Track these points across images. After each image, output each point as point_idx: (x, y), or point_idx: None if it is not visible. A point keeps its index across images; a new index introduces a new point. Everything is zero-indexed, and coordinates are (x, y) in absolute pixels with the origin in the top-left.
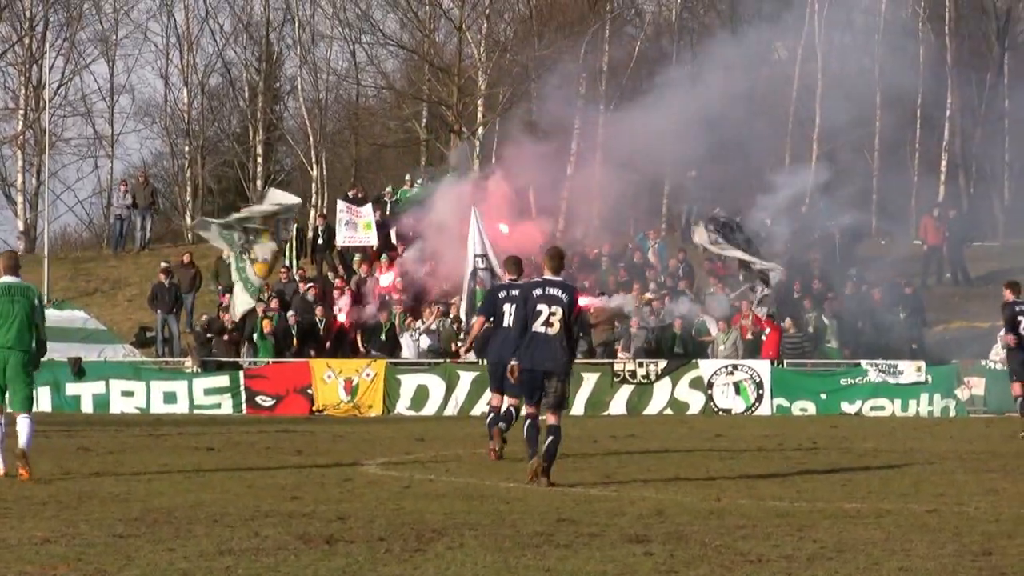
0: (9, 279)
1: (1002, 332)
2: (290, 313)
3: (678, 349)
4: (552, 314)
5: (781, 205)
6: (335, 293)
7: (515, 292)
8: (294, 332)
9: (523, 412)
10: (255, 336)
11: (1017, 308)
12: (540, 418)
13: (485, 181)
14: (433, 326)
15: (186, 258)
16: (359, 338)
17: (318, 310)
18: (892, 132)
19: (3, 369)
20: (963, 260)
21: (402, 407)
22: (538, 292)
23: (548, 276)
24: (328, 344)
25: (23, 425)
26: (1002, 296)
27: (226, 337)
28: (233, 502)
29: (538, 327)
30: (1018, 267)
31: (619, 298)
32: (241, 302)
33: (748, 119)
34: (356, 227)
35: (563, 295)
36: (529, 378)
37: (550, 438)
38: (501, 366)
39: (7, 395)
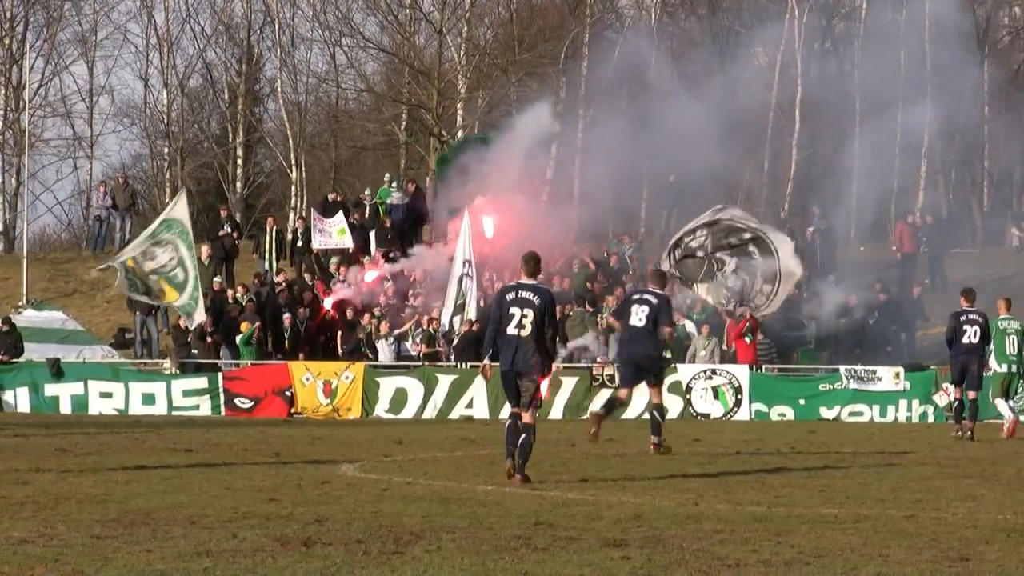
0: None
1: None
2: (286, 316)
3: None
4: (524, 316)
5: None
6: (306, 295)
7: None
8: (286, 334)
9: (507, 412)
10: (239, 340)
11: (962, 318)
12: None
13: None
14: (414, 331)
15: None
16: (339, 334)
17: (300, 311)
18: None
19: None
20: (942, 266)
21: (380, 410)
22: (511, 296)
23: (523, 280)
24: (308, 348)
25: None
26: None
27: (209, 340)
28: (211, 504)
29: (511, 330)
30: (994, 273)
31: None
32: (194, 317)
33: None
34: (330, 234)
35: (535, 298)
36: (507, 379)
37: (523, 436)
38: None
39: None
